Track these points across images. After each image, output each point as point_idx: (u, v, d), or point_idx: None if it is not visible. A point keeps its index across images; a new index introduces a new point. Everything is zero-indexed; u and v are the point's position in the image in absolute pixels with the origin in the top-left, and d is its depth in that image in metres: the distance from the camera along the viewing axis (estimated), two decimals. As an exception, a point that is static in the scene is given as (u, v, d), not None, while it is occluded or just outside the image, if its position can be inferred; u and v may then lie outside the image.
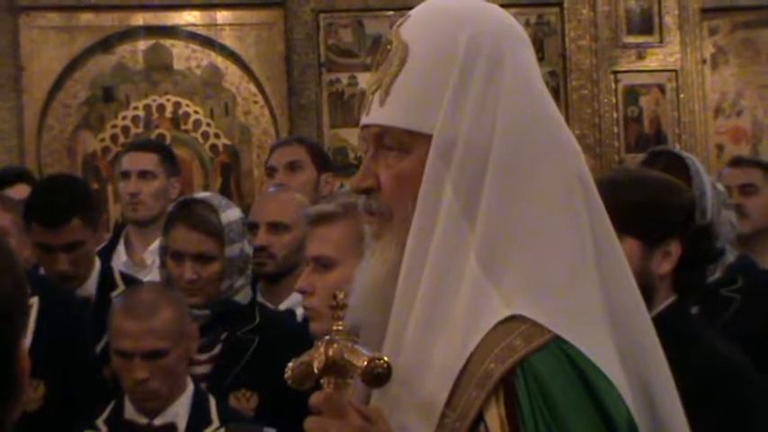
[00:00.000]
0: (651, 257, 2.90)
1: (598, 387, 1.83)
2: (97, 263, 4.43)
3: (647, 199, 2.94)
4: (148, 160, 5.16)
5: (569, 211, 1.93)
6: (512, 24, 2.03)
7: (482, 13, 2.01)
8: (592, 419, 1.82)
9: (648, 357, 1.99)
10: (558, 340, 1.84)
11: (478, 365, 1.84)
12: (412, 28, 2.00)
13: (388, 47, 2.00)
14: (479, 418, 1.83)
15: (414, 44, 1.96)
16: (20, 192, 5.01)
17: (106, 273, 4.43)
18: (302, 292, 2.94)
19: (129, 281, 4.42)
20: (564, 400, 1.81)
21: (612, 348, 1.89)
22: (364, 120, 2.02)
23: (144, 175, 5.11)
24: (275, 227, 4.33)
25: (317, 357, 1.88)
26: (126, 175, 5.17)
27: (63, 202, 4.22)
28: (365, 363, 1.81)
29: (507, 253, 1.90)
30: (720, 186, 3.97)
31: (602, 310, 1.91)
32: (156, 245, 4.70)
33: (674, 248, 2.92)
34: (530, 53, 2.02)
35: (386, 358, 1.82)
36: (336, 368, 1.86)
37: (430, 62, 1.95)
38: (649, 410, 1.96)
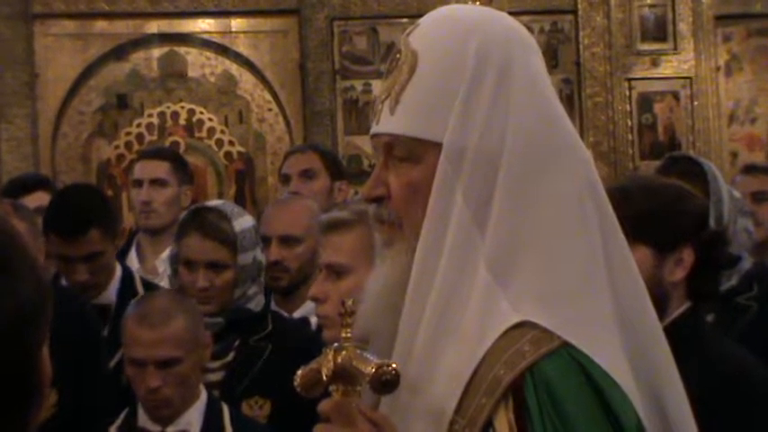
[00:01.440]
0: (663, 265, 2.89)
1: (608, 394, 1.83)
2: (118, 269, 4.42)
3: (659, 206, 2.93)
4: (160, 168, 5.17)
5: (580, 219, 1.93)
6: (520, 32, 2.03)
7: (491, 21, 2.01)
8: (601, 426, 1.82)
9: (659, 365, 1.99)
10: (567, 346, 1.84)
11: (488, 372, 1.85)
12: (421, 36, 2.00)
13: (398, 55, 2.00)
14: (488, 424, 1.83)
15: (423, 53, 1.97)
16: (38, 199, 5.01)
17: (127, 279, 4.42)
18: (315, 299, 2.93)
19: (150, 287, 4.41)
20: (573, 407, 1.81)
21: (622, 355, 1.89)
22: (374, 128, 2.02)
23: (156, 183, 5.12)
24: (287, 240, 4.31)
25: (325, 365, 1.88)
26: (138, 183, 5.18)
27: (80, 213, 4.22)
28: (373, 370, 1.81)
29: (517, 260, 1.90)
30: (737, 194, 3.96)
31: (612, 317, 1.91)
32: (167, 252, 4.69)
33: (687, 255, 2.91)
34: (539, 60, 2.02)
35: (394, 365, 1.82)
36: (345, 375, 1.87)
37: (439, 70, 1.95)
38: (660, 418, 1.96)
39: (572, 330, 1.85)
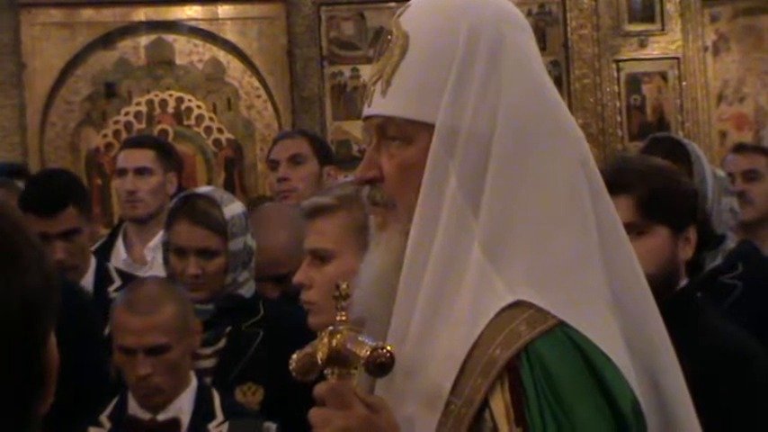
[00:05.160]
0: (677, 244, 2.94)
1: (603, 372, 1.84)
2: (93, 259, 4.44)
3: (675, 186, 2.97)
4: (145, 157, 5.13)
5: (573, 198, 1.93)
6: (511, 11, 2.04)
7: (482, 2, 2.01)
8: (597, 404, 1.82)
9: (654, 342, 2.00)
10: (562, 325, 1.84)
11: (483, 352, 1.85)
12: (412, 18, 2.00)
13: (389, 37, 2.00)
14: (485, 404, 1.84)
15: (414, 34, 1.97)
16: (16, 188, 5.02)
17: (101, 268, 4.43)
18: (300, 285, 2.92)
19: (125, 277, 4.42)
20: (569, 386, 1.82)
21: (617, 333, 1.90)
22: (366, 111, 2.02)
23: (141, 171, 5.08)
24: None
25: (320, 348, 1.88)
26: (122, 172, 5.13)
27: (57, 190, 4.26)
28: (368, 353, 1.81)
29: (511, 240, 1.90)
30: (720, 173, 3.97)
31: (606, 295, 1.92)
32: (155, 241, 4.69)
33: (692, 234, 2.96)
34: (530, 39, 2.03)
35: (389, 348, 1.82)
36: (339, 359, 1.87)
37: (431, 51, 1.95)
38: (655, 394, 1.97)
39: (567, 309, 1.86)
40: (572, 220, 1.92)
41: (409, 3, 2.05)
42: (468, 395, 1.84)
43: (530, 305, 1.86)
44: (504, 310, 1.86)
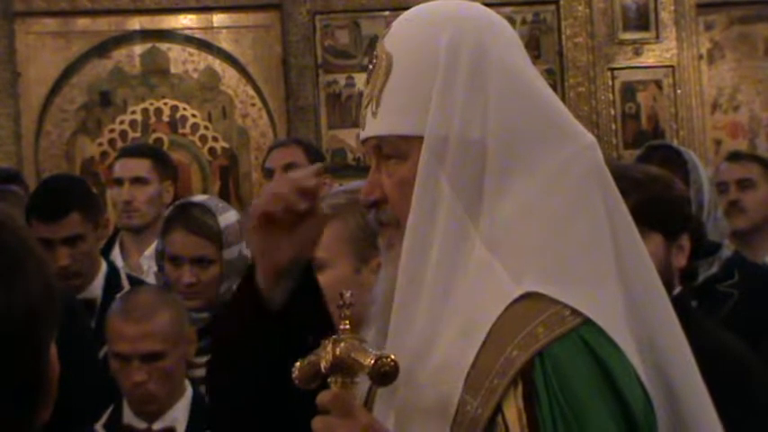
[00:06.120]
0: (671, 252, 2.94)
1: (615, 375, 1.84)
2: (104, 265, 4.42)
3: (670, 193, 2.98)
4: (141, 166, 5.14)
5: (580, 194, 1.95)
6: (492, 18, 2.06)
7: (461, 12, 2.04)
8: (609, 410, 1.83)
9: (667, 344, 2.00)
10: (578, 329, 1.84)
11: (500, 352, 1.85)
12: (394, 38, 2.03)
13: (374, 60, 2.03)
14: (498, 407, 1.84)
15: (396, 53, 2.00)
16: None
17: (112, 274, 4.42)
18: None
19: (136, 283, 4.41)
20: (581, 391, 1.82)
21: (627, 330, 1.90)
22: (362, 134, 2.05)
23: (137, 181, 5.09)
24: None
25: (324, 356, 1.88)
26: (119, 182, 5.14)
27: (61, 195, 4.26)
28: (372, 361, 1.81)
29: (517, 236, 1.91)
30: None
31: (618, 291, 1.92)
32: (151, 250, 4.68)
33: (685, 242, 2.97)
34: (514, 43, 2.04)
35: (393, 357, 1.82)
36: (343, 367, 1.86)
37: (413, 67, 1.98)
38: (667, 395, 1.97)
39: (578, 298, 1.86)
40: (581, 214, 1.93)
41: (392, 24, 2.08)
42: (484, 395, 1.84)
43: (539, 296, 1.86)
44: (512, 304, 1.87)
